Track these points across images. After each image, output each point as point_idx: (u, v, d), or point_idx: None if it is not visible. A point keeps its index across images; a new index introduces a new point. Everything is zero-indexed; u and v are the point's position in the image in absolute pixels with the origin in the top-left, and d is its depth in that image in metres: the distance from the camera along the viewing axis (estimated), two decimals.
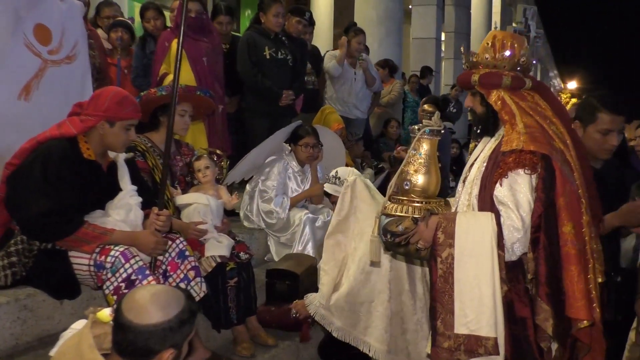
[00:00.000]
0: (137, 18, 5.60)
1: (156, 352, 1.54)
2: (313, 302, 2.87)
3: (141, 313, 1.54)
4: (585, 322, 1.95)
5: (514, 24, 17.71)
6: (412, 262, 2.66)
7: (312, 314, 2.87)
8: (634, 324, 2.53)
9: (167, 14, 5.31)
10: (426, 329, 2.60)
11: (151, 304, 1.55)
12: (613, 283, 2.45)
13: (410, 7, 11.71)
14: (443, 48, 12.64)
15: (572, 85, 36.84)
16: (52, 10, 3.21)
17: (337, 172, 3.37)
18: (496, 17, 16.36)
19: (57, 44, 3.22)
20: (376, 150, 6.47)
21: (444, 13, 12.10)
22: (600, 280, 2.07)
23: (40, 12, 3.13)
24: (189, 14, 3.93)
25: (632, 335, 2.55)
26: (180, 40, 2.59)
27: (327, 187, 3.38)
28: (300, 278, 3.44)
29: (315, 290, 2.90)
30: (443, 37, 12.36)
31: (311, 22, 5.71)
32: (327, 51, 6.19)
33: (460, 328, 1.98)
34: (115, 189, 2.68)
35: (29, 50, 3.07)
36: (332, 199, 3.34)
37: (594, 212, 2.12)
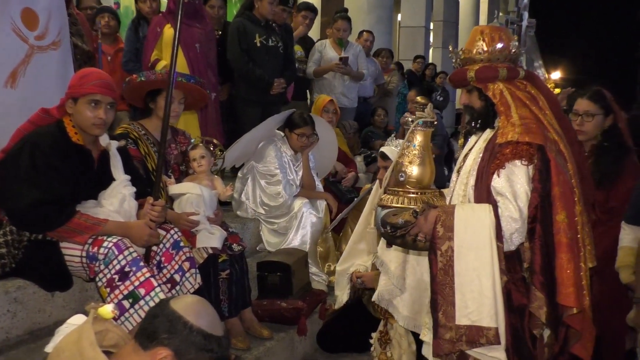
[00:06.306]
0: (125, 2, 5.48)
1: (157, 341, 1.45)
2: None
3: (178, 300, 1.52)
4: (574, 309, 1.99)
5: (505, 13, 17.68)
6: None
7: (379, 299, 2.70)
8: None
9: None
10: None
11: (194, 301, 1.53)
12: None
13: None
14: (431, 37, 12.61)
15: (556, 75, 37.12)
16: None
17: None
18: (484, 6, 16.36)
19: (44, 29, 3.13)
20: (365, 140, 6.45)
21: (432, 1, 12.05)
22: (591, 265, 2.10)
23: None
24: None
25: None
26: (178, 27, 2.51)
27: (387, 150, 3.27)
28: (292, 269, 3.41)
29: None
30: (431, 26, 12.33)
31: (300, 8, 5.66)
32: (318, 40, 6.08)
33: (461, 319, 2.01)
34: (108, 179, 2.61)
35: (16, 35, 2.98)
36: (380, 175, 3.26)
37: (587, 199, 2.15)
